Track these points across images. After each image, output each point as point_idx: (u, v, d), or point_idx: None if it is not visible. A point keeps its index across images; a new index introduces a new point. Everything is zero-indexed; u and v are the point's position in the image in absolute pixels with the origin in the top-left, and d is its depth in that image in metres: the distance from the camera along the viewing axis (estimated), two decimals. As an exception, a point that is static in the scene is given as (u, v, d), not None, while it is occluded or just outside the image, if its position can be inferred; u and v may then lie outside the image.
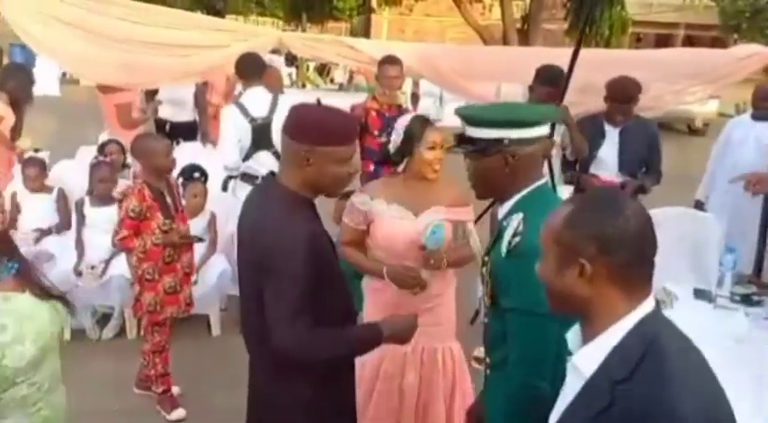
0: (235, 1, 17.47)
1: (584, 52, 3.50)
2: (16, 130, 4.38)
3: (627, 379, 1.10)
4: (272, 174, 1.89)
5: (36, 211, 4.16)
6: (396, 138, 2.42)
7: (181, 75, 4.37)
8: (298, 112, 1.78)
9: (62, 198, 4.23)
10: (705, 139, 12.37)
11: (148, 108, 5.35)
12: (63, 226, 4.19)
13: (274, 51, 19.68)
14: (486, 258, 1.80)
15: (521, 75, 3.93)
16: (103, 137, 4.85)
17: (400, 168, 2.46)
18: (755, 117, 4.58)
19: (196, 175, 4.04)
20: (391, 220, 2.44)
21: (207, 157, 4.98)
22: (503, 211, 1.74)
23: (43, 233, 4.12)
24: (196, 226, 4.04)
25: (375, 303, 2.53)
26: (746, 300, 3.14)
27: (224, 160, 3.97)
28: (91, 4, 4.16)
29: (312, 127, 1.71)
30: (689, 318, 2.90)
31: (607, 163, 3.82)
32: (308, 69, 17.99)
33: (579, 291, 1.18)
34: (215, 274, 4.03)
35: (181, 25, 4.23)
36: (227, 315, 4.23)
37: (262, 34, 4.36)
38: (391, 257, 2.44)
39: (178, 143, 5.58)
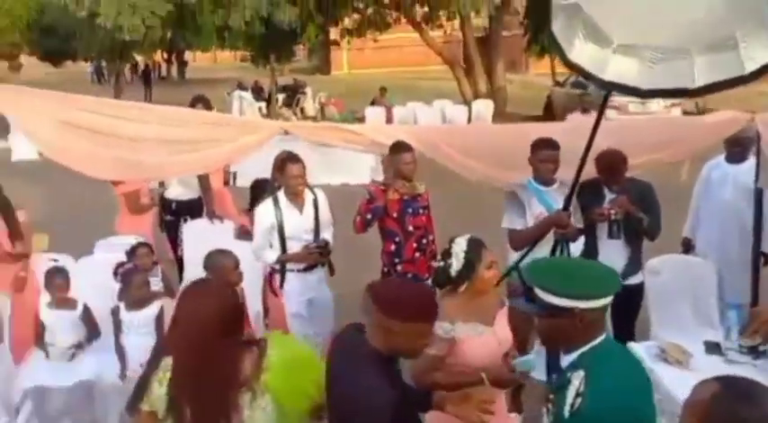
0: (197, 35, 17.39)
1: (571, 124, 3.80)
2: (14, 235, 4.23)
3: None
4: (358, 329, 2.10)
5: (63, 326, 4.12)
6: (456, 263, 2.63)
7: (188, 168, 4.55)
8: (389, 289, 2.15)
9: (86, 311, 4.18)
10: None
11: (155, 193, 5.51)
12: (93, 336, 4.20)
13: (242, 87, 19.48)
14: (551, 398, 2.01)
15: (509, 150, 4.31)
16: (131, 239, 4.86)
17: (462, 289, 2.66)
18: (729, 160, 4.92)
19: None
20: (475, 338, 2.61)
21: (218, 234, 5.17)
22: (566, 361, 1.98)
23: (77, 348, 4.14)
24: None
25: None
26: (754, 350, 3.47)
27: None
28: (101, 108, 4.30)
29: (404, 305, 1.97)
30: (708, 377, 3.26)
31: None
32: (277, 102, 18.06)
33: None
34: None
35: (188, 122, 4.39)
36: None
37: (266, 126, 4.59)
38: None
39: (185, 221, 5.73)
